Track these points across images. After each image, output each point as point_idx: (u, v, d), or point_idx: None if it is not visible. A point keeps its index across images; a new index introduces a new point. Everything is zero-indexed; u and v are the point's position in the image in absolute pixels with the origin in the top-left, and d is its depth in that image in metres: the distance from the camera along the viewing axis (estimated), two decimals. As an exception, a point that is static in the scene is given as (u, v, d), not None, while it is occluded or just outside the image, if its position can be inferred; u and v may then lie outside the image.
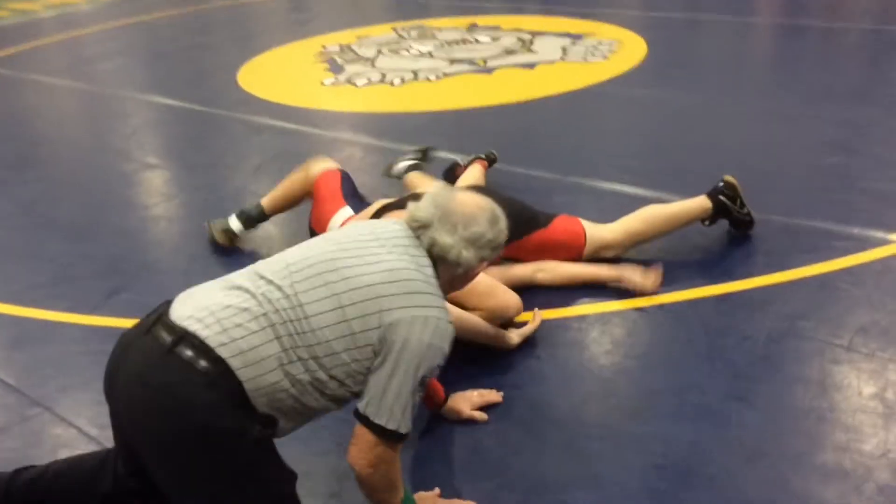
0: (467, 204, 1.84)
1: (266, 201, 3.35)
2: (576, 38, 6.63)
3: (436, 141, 4.14)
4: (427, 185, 3.30)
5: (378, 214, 2.60)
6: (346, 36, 7.45)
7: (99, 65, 7.20)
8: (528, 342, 2.55)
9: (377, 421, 1.65)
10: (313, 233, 3.08)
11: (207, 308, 1.65)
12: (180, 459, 1.61)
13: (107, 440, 2.27)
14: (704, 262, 3.01)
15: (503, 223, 1.88)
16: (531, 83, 5.54)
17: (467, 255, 1.81)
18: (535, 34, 6.88)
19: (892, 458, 1.99)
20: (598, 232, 2.91)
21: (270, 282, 1.70)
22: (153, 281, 3.18)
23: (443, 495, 1.97)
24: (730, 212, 3.02)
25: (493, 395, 2.32)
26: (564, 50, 6.29)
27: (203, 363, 1.58)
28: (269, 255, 3.21)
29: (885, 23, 6.66)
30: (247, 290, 1.68)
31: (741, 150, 4.04)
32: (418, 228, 1.80)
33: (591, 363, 2.51)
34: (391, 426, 1.65)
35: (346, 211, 2.94)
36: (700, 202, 2.99)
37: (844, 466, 1.98)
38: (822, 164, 3.79)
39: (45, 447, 2.30)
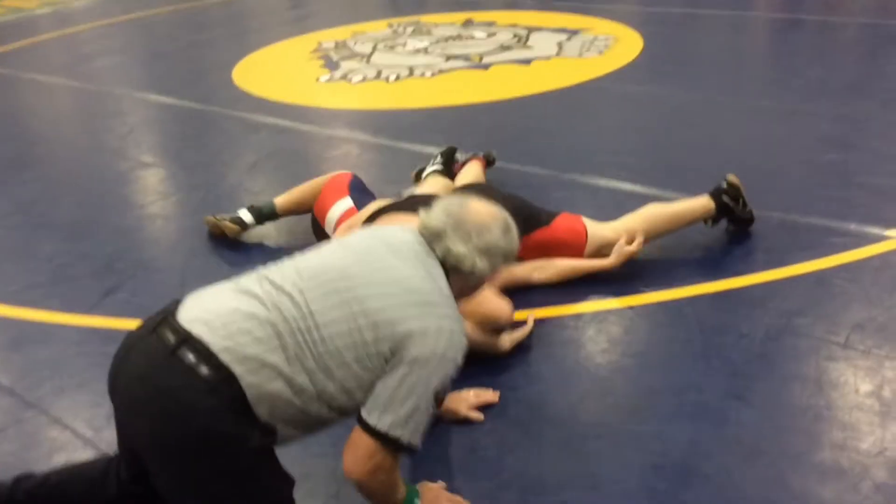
0: (480, 213, 1.84)
1: (279, 201, 3.37)
2: (572, 33, 6.62)
3: (432, 137, 4.14)
4: (427, 184, 3.29)
5: (375, 216, 2.58)
6: (341, 32, 7.43)
7: (94, 62, 7.18)
8: (524, 341, 2.54)
9: (379, 426, 1.63)
10: (315, 221, 3.08)
11: (215, 312, 1.64)
12: (180, 463, 1.60)
13: (102, 442, 2.28)
14: (702, 258, 3.01)
15: (515, 232, 1.88)
16: (527, 79, 5.53)
17: (481, 264, 1.80)
18: (530, 30, 6.86)
19: (888, 456, 1.99)
20: (599, 230, 2.89)
21: (281, 289, 1.67)
22: (150, 280, 3.18)
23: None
24: (732, 211, 3.01)
25: (490, 395, 2.31)
26: (560, 45, 6.27)
27: (205, 368, 1.57)
28: (267, 254, 3.27)
29: (881, 17, 6.65)
30: (256, 297, 1.67)
31: (738, 146, 4.03)
32: (431, 237, 1.79)
33: (588, 362, 2.51)
34: (393, 433, 1.62)
35: (346, 202, 2.94)
36: (703, 202, 2.98)
37: (842, 465, 1.98)
38: (819, 160, 3.78)
39: (41, 450, 2.29)
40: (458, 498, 1.94)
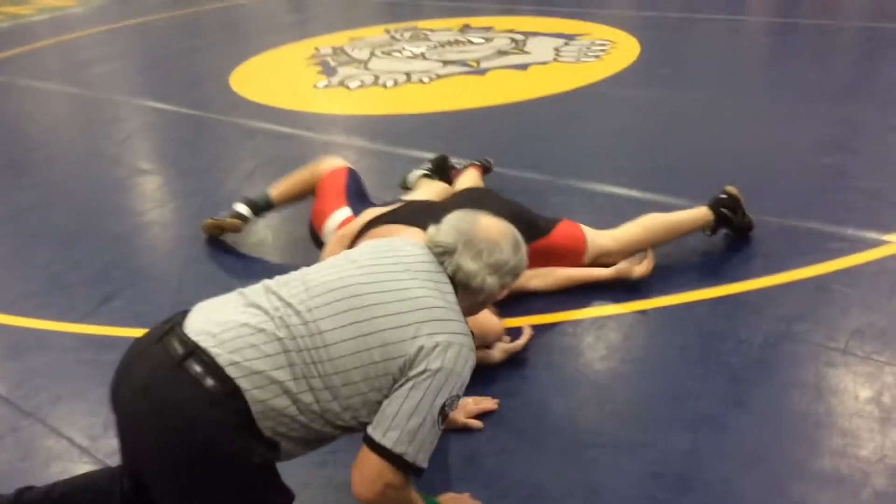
0: (491, 229, 1.83)
1: (274, 192, 3.35)
2: (569, 38, 6.62)
3: (429, 143, 4.13)
4: (425, 188, 3.28)
5: (368, 227, 2.56)
6: (338, 38, 7.43)
7: (91, 69, 7.17)
8: (524, 348, 2.53)
9: (383, 442, 1.60)
10: (314, 228, 3.07)
11: (223, 325, 1.62)
12: (182, 477, 1.58)
13: (99, 451, 2.27)
14: (700, 264, 3.00)
15: (524, 248, 1.88)
16: (524, 84, 5.52)
17: (491, 281, 1.80)
18: (527, 35, 6.87)
19: (888, 463, 1.98)
20: (598, 239, 2.88)
21: (289, 305, 1.66)
22: (147, 288, 3.16)
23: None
24: (731, 222, 3.00)
25: (489, 403, 2.30)
26: (557, 50, 6.27)
27: (210, 381, 1.55)
28: (266, 261, 3.27)
29: (878, 20, 6.66)
30: (265, 311, 1.65)
31: (736, 151, 4.03)
32: (441, 253, 1.78)
33: (587, 368, 2.50)
34: (398, 449, 1.60)
35: (345, 211, 2.92)
36: (702, 213, 2.98)
37: (841, 472, 1.97)
38: (817, 164, 3.78)
39: (37, 459, 2.28)
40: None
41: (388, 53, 6.68)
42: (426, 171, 3.61)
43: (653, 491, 1.98)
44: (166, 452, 1.57)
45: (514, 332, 2.56)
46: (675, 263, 2.99)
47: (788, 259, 2.93)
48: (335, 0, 10.22)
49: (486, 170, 3.69)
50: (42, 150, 5.14)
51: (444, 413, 1.64)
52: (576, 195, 3.66)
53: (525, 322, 2.63)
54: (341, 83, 5.93)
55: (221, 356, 1.57)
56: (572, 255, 2.85)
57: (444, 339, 1.64)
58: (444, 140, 4.43)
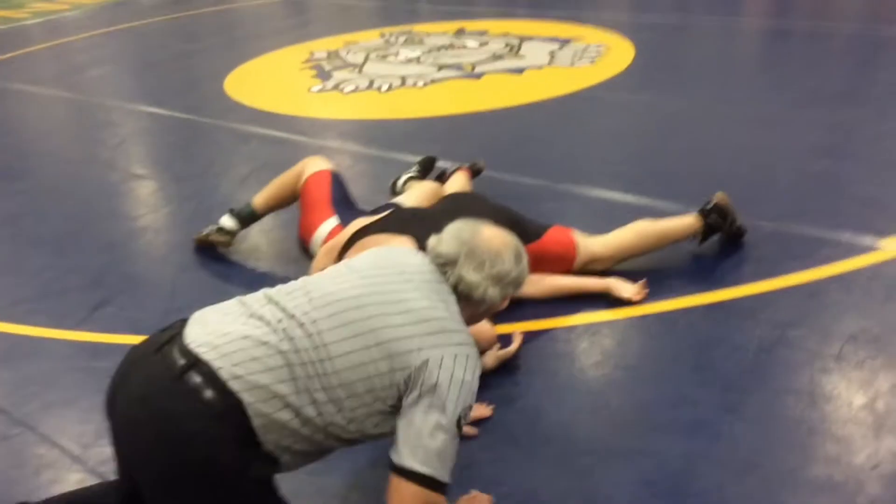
0: (493, 240, 1.83)
1: (257, 201, 3.32)
2: (563, 42, 6.63)
3: (424, 148, 4.12)
4: (415, 191, 3.26)
5: (356, 238, 2.54)
6: (333, 42, 7.43)
7: (85, 73, 7.16)
8: (517, 354, 2.52)
9: (416, 468, 1.57)
10: (302, 240, 3.05)
11: (224, 336, 1.60)
12: (177, 488, 1.56)
13: (90, 460, 2.26)
14: (694, 269, 3.00)
15: (526, 259, 1.88)
16: (519, 88, 5.52)
17: (493, 292, 1.80)
18: (522, 39, 6.87)
19: (882, 470, 1.98)
20: (588, 244, 2.89)
21: (292, 316, 1.64)
22: (139, 294, 3.15)
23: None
24: (721, 229, 3.01)
25: (483, 409, 2.30)
26: (552, 54, 6.28)
27: (212, 394, 1.53)
28: (257, 267, 3.26)
29: (872, 24, 6.67)
30: (267, 323, 1.63)
31: (730, 155, 4.03)
32: (444, 264, 1.78)
33: (581, 375, 2.49)
34: (428, 471, 1.57)
35: (332, 222, 2.91)
36: (691, 221, 2.98)
37: (836, 479, 1.97)
38: (811, 169, 3.78)
39: (28, 467, 2.27)
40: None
41: (383, 57, 6.68)
42: (413, 174, 3.61)
43: (647, 498, 1.97)
44: (164, 464, 1.55)
45: (505, 339, 2.55)
46: (669, 269, 2.99)
47: (782, 264, 2.93)
48: (330, 4, 10.22)
49: (477, 172, 3.68)
50: (35, 154, 5.13)
51: (460, 425, 1.63)
52: (571, 200, 3.66)
53: (518, 328, 2.63)
54: (336, 87, 5.92)
55: (223, 369, 1.55)
56: (563, 260, 2.85)
57: (450, 351, 1.63)
58: (439, 144, 4.42)
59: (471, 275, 1.77)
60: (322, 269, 1.91)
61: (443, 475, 1.60)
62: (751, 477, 2.00)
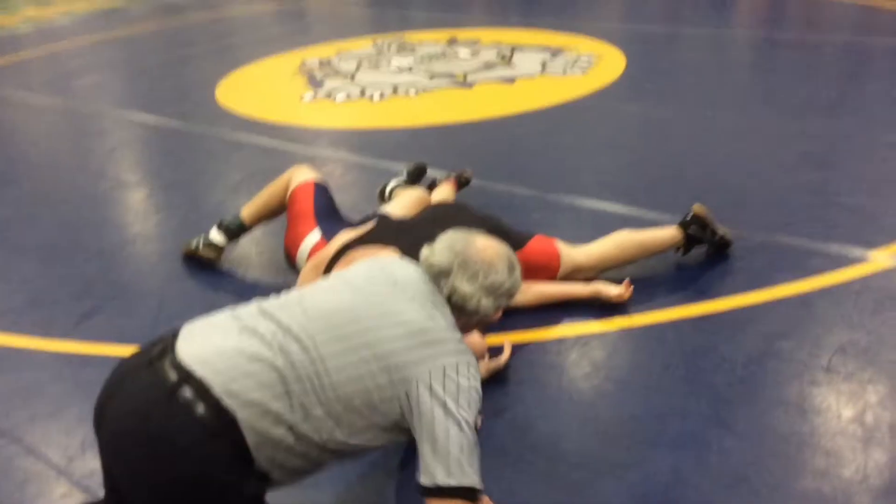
0: (487, 251, 1.83)
1: (246, 212, 3.30)
2: (555, 51, 6.64)
3: (415, 157, 4.12)
4: (402, 198, 3.25)
5: (342, 252, 2.52)
6: (325, 50, 7.43)
7: (76, 80, 7.14)
8: (507, 365, 2.51)
9: (452, 482, 1.56)
10: (288, 255, 3.03)
11: (218, 351, 1.58)
12: None
13: (76, 472, 2.23)
14: (683, 281, 3.00)
15: (519, 269, 1.88)
16: (511, 98, 5.53)
17: (487, 303, 1.80)
18: (514, 48, 6.88)
19: (871, 483, 1.97)
20: (572, 254, 2.90)
21: (287, 330, 1.62)
22: (128, 303, 3.13)
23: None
24: (702, 240, 3.02)
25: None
26: (544, 64, 6.29)
27: (205, 411, 1.51)
28: (247, 277, 3.24)
29: (861, 35, 6.71)
30: (262, 337, 1.61)
31: (720, 166, 4.04)
32: (437, 275, 1.78)
33: (570, 387, 2.49)
34: (466, 482, 1.56)
35: (315, 235, 2.89)
36: (672, 233, 3.01)
37: (824, 493, 1.96)
38: (800, 179, 3.79)
39: (13, 480, 2.24)
40: None
41: (375, 66, 6.68)
42: (402, 182, 3.60)
43: (635, 512, 1.97)
44: (154, 481, 1.53)
45: (495, 351, 2.55)
46: (658, 280, 2.99)
47: (771, 275, 2.93)
48: (323, 12, 10.23)
49: (464, 182, 3.68)
50: (24, 162, 5.10)
51: (476, 429, 1.63)
52: (561, 210, 3.66)
53: (508, 339, 2.62)
54: (328, 96, 5.92)
55: (217, 385, 1.53)
56: (546, 269, 2.86)
57: (451, 360, 1.63)
58: (430, 153, 4.41)
59: (464, 286, 1.77)
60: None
61: (476, 482, 1.59)
62: (740, 490, 1.99)
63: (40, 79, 7.37)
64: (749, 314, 2.73)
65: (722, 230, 3.06)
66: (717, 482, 2.03)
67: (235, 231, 3.30)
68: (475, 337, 2.47)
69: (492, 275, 1.80)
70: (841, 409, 2.25)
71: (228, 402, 1.52)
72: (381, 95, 5.81)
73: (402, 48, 7.25)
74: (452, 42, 7.33)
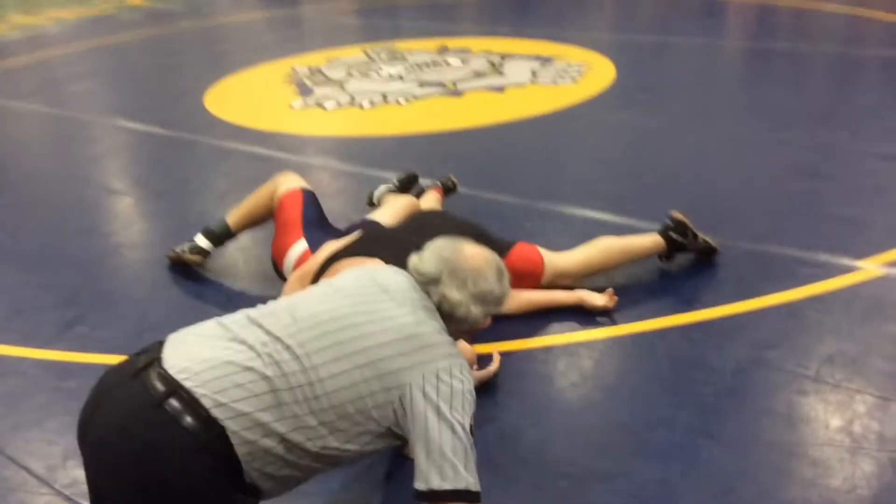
0: (475, 258, 1.82)
1: (231, 219, 3.28)
2: (545, 60, 6.65)
3: (405, 165, 4.10)
4: (390, 205, 3.24)
5: (328, 263, 2.50)
6: (316, 58, 7.42)
7: (65, 88, 7.11)
8: (491, 379, 2.49)
9: (458, 486, 1.55)
10: (275, 263, 3.01)
11: (206, 362, 1.55)
12: None
13: (57, 482, 2.21)
14: (672, 289, 2.99)
15: (507, 276, 1.87)
16: (501, 106, 5.53)
17: (476, 311, 1.79)
18: (504, 57, 6.89)
19: (859, 494, 1.96)
20: (555, 261, 2.90)
21: (277, 339, 1.60)
22: (112, 312, 3.10)
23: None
24: (685, 246, 3.02)
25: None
26: (534, 73, 6.29)
27: (195, 424, 1.48)
28: (232, 285, 3.22)
29: (851, 46, 6.74)
30: (251, 347, 1.58)
31: (709, 175, 4.04)
32: (426, 283, 1.77)
33: (558, 396, 2.47)
34: (462, 485, 1.56)
35: (301, 245, 2.87)
36: (654, 238, 3.02)
37: (812, 503, 1.95)
38: (789, 189, 3.80)
39: (-7, 491, 2.22)
40: None
41: (366, 74, 6.67)
42: (392, 187, 3.59)
43: (622, 523, 1.95)
44: (142, 495, 1.49)
45: (484, 360, 2.53)
46: (646, 289, 2.99)
47: (761, 285, 2.93)
48: (314, 20, 10.23)
49: (450, 190, 3.67)
50: (10, 169, 5.07)
51: (473, 432, 1.62)
52: (550, 218, 3.65)
53: (497, 348, 2.60)
54: (317, 104, 5.91)
55: (206, 397, 1.50)
56: (530, 276, 2.85)
57: (444, 364, 1.62)
58: (419, 162, 4.40)
59: (454, 293, 1.76)
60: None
61: (472, 484, 1.58)
62: (727, 500, 1.98)
63: (28, 86, 7.33)
64: (737, 323, 2.72)
65: (703, 235, 3.06)
66: (704, 492, 2.01)
67: (221, 237, 3.28)
68: (464, 346, 2.45)
69: (481, 282, 1.79)
70: (829, 418, 2.24)
71: (217, 414, 1.49)
72: (371, 103, 5.80)
73: (393, 56, 7.25)
74: (443, 51, 7.33)
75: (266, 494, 1.62)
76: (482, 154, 4.63)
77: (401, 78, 6.44)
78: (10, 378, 2.73)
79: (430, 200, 3.47)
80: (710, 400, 2.35)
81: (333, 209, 3.65)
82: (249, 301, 1.80)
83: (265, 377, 1.54)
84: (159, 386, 1.51)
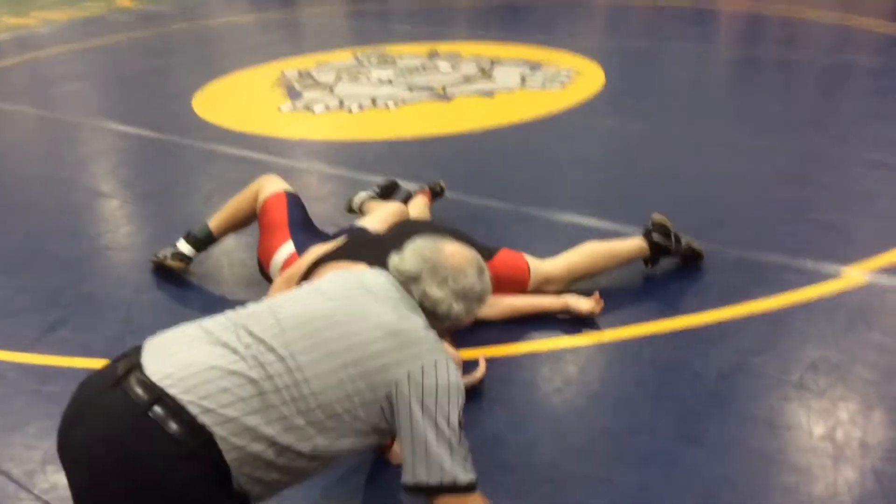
0: (456, 256, 1.82)
1: (214, 223, 3.26)
2: (535, 66, 6.66)
3: (393, 169, 4.11)
4: (374, 211, 3.23)
5: (314, 266, 2.50)
6: (305, 61, 7.40)
7: (53, 89, 7.07)
8: (477, 385, 2.48)
9: (444, 480, 1.56)
10: (261, 265, 3.00)
11: (189, 367, 1.53)
12: None
13: (35, 487, 2.18)
14: (657, 296, 2.99)
15: (488, 274, 1.87)
16: (490, 111, 5.53)
17: (458, 308, 1.79)
18: (494, 62, 6.89)
19: (841, 501, 1.96)
20: (541, 266, 2.90)
21: (262, 342, 1.59)
22: (94, 315, 3.08)
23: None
24: (668, 249, 3.02)
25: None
26: (523, 78, 6.30)
27: (181, 431, 1.45)
28: (215, 289, 3.20)
29: (838, 54, 6.77)
30: (235, 351, 1.57)
31: (697, 182, 4.05)
32: (407, 281, 1.77)
33: (542, 402, 2.46)
34: (449, 478, 1.57)
35: (288, 247, 2.86)
36: (637, 242, 3.02)
37: (794, 510, 1.95)
38: (775, 196, 3.80)
39: (-30, 496, 2.19)
40: None
41: (355, 78, 6.67)
42: (372, 194, 3.58)
43: (604, 530, 1.94)
44: None
45: (469, 366, 2.52)
46: (631, 295, 2.99)
47: (746, 291, 2.93)
48: (303, 23, 10.22)
49: (437, 194, 3.66)
50: (-3, 171, 5.04)
51: (461, 425, 1.63)
52: (538, 224, 3.65)
53: (481, 353, 2.60)
54: (306, 107, 5.89)
55: (192, 403, 1.48)
56: (515, 282, 2.85)
57: (429, 359, 1.62)
58: (407, 166, 4.40)
59: (435, 291, 1.76)
60: None
61: (459, 476, 1.58)
62: (709, 507, 1.98)
63: (16, 88, 7.30)
64: (722, 329, 2.72)
65: (686, 239, 3.06)
66: (686, 498, 2.01)
67: (203, 242, 3.26)
68: (449, 350, 2.44)
69: (462, 279, 1.79)
70: (812, 425, 2.24)
71: (205, 420, 1.47)
72: (360, 107, 5.79)
73: (383, 60, 7.24)
74: (433, 55, 7.33)
75: (254, 499, 1.60)
76: (470, 159, 4.63)
77: (390, 82, 6.44)
78: (-10, 381, 2.71)
79: (418, 205, 3.46)
80: (693, 406, 2.35)
81: (321, 213, 3.65)
82: (233, 305, 1.79)
83: (251, 380, 1.53)
84: (142, 394, 1.49)
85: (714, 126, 4.94)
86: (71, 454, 1.54)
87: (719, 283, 3.02)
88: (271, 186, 3.11)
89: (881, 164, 4.07)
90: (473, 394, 2.45)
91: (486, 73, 6.52)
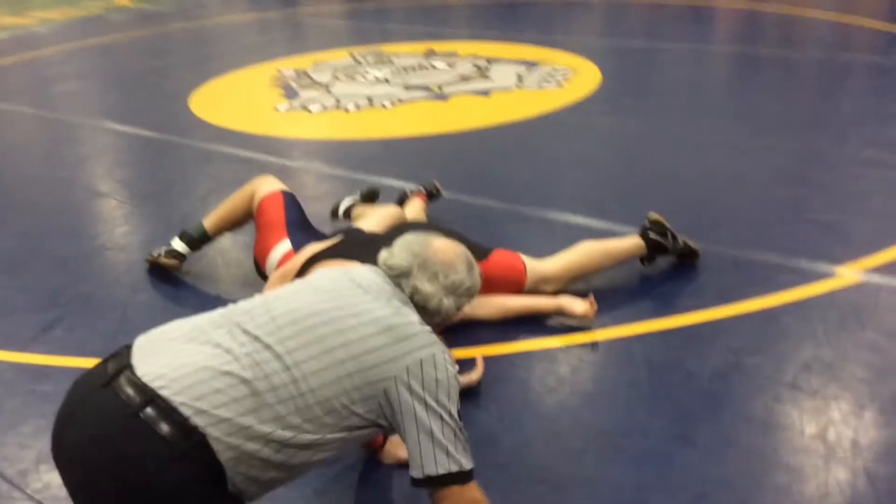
0: (445, 251, 1.83)
1: (209, 222, 3.26)
2: (531, 65, 6.66)
3: (389, 169, 4.11)
4: (370, 213, 3.23)
5: (309, 264, 2.50)
6: (302, 61, 7.40)
7: (51, 89, 7.07)
8: (474, 386, 2.49)
9: (451, 469, 1.59)
10: (257, 263, 3.01)
11: (182, 367, 1.52)
12: None
13: (29, 487, 2.19)
14: (651, 295, 3.00)
15: (478, 269, 1.88)
16: (487, 110, 5.53)
17: (448, 303, 1.80)
18: (491, 61, 6.89)
19: (832, 500, 1.97)
20: (537, 266, 2.90)
21: (256, 339, 1.58)
22: (90, 315, 3.08)
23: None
24: (665, 247, 3.02)
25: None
26: (520, 77, 6.30)
27: (174, 432, 1.45)
28: (210, 288, 3.20)
29: (837, 53, 6.78)
30: (228, 350, 1.56)
31: (694, 181, 4.05)
32: (397, 276, 1.77)
33: (536, 402, 2.47)
34: (453, 468, 1.59)
35: (285, 245, 2.86)
36: (634, 240, 3.02)
37: (786, 510, 1.96)
38: (772, 195, 3.81)
39: (-35, 496, 2.20)
40: None
41: (352, 77, 6.67)
42: (355, 202, 3.59)
43: (597, 529, 1.95)
44: None
45: (465, 365, 2.52)
46: (626, 294, 2.99)
47: (741, 290, 2.93)
48: (300, 22, 10.22)
49: (434, 196, 3.67)
50: (-6, 170, 5.04)
51: (460, 416, 1.64)
52: (534, 223, 3.65)
53: (475, 353, 2.60)
54: (303, 106, 5.89)
55: (185, 405, 1.47)
56: (511, 282, 2.86)
57: (426, 353, 1.62)
58: (404, 165, 4.41)
59: (425, 286, 1.77)
60: None
61: (464, 463, 1.60)
62: (701, 507, 1.98)
63: (14, 87, 7.30)
64: (716, 329, 2.73)
65: (683, 238, 3.07)
66: (679, 497, 2.01)
67: (198, 241, 3.27)
68: None
69: (452, 274, 1.80)
70: (804, 425, 2.25)
71: (198, 421, 1.47)
72: (357, 107, 5.79)
73: (380, 60, 7.25)
74: (430, 54, 7.33)
75: (248, 499, 1.60)
76: (467, 158, 4.63)
77: (387, 81, 6.44)
78: (-15, 381, 2.71)
79: (415, 207, 3.47)
80: (687, 405, 2.36)
81: (318, 212, 3.65)
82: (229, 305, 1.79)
83: (244, 380, 1.52)
84: (133, 395, 1.48)
85: (712, 125, 4.95)
86: (64, 454, 1.54)
87: (714, 282, 3.02)
88: (267, 186, 3.11)
89: (880, 164, 4.08)
90: (468, 393, 2.45)
91: (482, 73, 6.52)
